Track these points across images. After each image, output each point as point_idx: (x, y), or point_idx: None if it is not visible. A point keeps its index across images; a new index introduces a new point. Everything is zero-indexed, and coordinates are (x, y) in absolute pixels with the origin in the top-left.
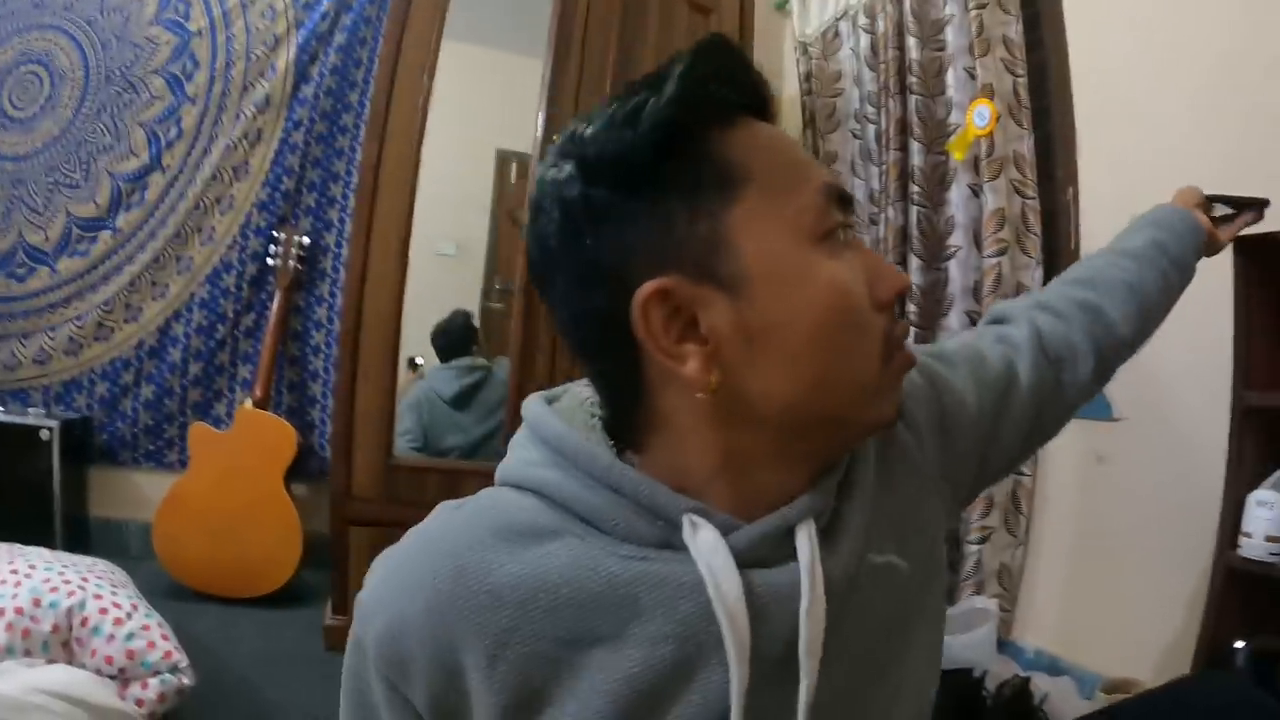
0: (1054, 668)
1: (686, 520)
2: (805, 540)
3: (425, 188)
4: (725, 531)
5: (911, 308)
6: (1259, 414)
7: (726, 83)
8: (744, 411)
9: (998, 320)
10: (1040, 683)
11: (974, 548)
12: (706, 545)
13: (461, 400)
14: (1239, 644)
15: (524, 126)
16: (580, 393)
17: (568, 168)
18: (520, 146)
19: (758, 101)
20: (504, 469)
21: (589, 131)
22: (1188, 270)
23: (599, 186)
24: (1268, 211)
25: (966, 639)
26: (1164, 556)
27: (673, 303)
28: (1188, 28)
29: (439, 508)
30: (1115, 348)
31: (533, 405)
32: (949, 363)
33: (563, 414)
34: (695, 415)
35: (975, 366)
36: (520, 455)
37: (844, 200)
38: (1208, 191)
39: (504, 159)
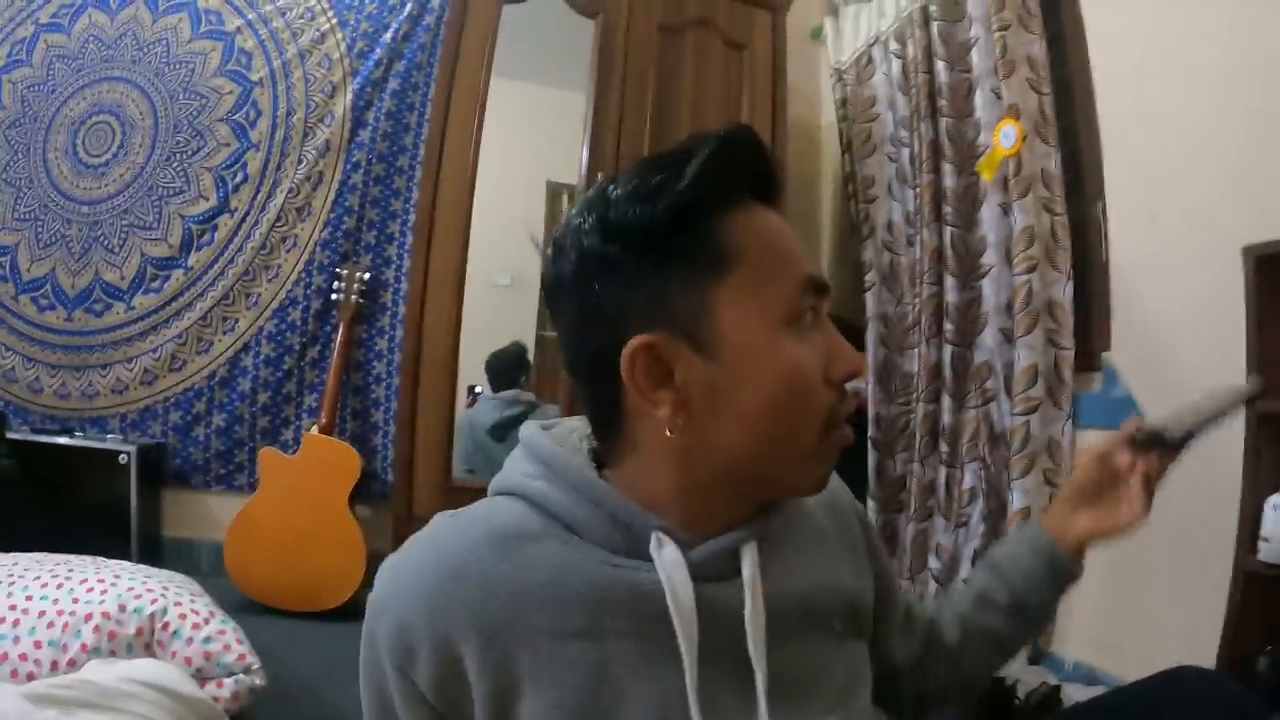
0: (1091, 679)
1: (654, 537)
2: (749, 559)
3: (480, 220)
4: (684, 548)
5: (948, 326)
6: (1275, 420)
7: (741, 172)
8: (700, 453)
9: None
10: (1073, 693)
11: None
12: (669, 560)
13: (500, 431)
14: (1267, 652)
15: (573, 159)
16: (571, 423)
17: (591, 220)
18: (569, 178)
19: (767, 189)
20: (498, 480)
21: (616, 194)
22: (1024, 619)
23: (614, 245)
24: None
25: None
26: (1195, 564)
27: (655, 355)
28: (1201, 39)
29: (436, 517)
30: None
31: (529, 429)
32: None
33: (555, 439)
34: (662, 447)
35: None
36: (515, 468)
37: (819, 288)
38: None
39: (555, 191)
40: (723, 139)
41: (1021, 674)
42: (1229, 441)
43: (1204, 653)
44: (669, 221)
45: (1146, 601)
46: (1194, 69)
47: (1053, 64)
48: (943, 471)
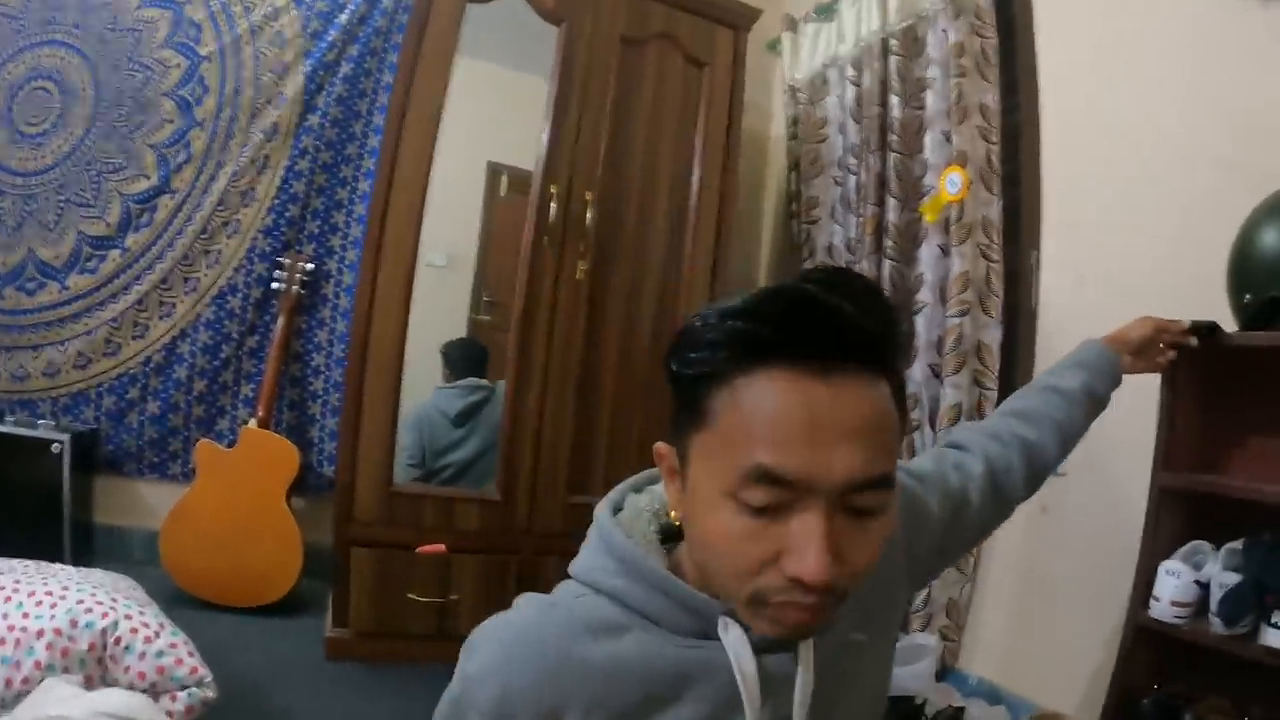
0: (994, 695)
1: (721, 621)
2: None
3: None
4: (748, 630)
5: None
6: (1174, 494)
7: (777, 342)
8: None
9: (955, 446)
10: (975, 710)
11: None
12: (735, 640)
13: (463, 418)
14: (1154, 689)
15: (514, 140)
16: (638, 502)
17: (676, 338)
18: (510, 160)
19: (839, 347)
20: (581, 570)
21: (692, 325)
22: (1105, 404)
23: (669, 367)
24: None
25: (910, 670)
26: (1093, 601)
27: (668, 462)
28: (1146, 116)
29: (530, 600)
30: (1044, 469)
31: (602, 517)
32: (921, 479)
33: (625, 524)
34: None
35: (940, 486)
36: (594, 562)
37: (775, 482)
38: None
39: (494, 171)
40: (795, 324)
41: (929, 693)
42: (1133, 511)
43: (1097, 688)
44: (689, 376)
45: (1050, 637)
46: (1137, 143)
47: (1004, 112)
48: None
